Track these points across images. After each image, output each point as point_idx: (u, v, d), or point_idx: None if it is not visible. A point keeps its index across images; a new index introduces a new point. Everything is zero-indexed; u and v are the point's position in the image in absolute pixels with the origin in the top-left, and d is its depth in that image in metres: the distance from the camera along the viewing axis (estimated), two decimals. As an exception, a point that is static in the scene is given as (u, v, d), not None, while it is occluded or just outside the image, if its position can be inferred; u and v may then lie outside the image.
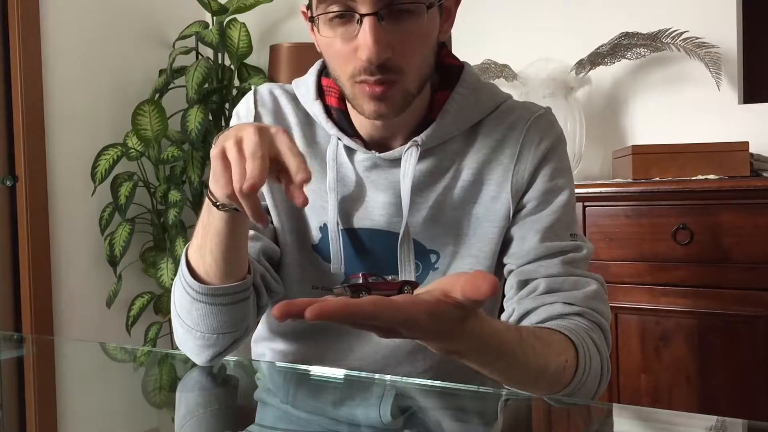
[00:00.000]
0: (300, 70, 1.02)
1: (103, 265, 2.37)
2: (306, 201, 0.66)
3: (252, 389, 0.93)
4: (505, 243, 0.90)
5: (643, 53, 2.01)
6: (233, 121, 0.98)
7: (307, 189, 0.93)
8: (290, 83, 0.98)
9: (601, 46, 2.00)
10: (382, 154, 0.89)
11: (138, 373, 1.00)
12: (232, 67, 2.49)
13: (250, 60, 2.51)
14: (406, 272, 0.89)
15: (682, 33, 1.93)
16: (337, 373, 0.89)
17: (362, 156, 0.90)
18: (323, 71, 0.94)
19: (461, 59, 0.94)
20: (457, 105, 0.89)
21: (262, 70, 2.53)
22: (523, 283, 0.87)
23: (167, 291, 2.31)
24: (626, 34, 1.96)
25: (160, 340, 2.42)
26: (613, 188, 1.68)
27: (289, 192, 0.67)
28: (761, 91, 2.11)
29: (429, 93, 0.91)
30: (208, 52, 2.55)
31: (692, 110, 2.02)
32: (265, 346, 1.02)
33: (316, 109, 0.92)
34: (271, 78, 2.48)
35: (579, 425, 0.75)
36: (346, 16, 0.77)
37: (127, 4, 2.53)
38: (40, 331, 2.20)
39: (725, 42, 1.96)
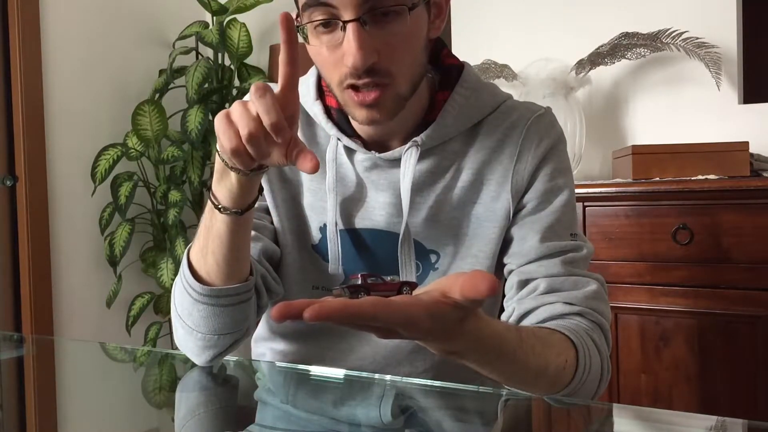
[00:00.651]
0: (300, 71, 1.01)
1: (103, 265, 2.37)
2: (317, 166, 0.67)
3: (252, 389, 0.93)
4: (505, 243, 0.90)
5: (643, 53, 2.01)
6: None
7: (307, 189, 0.94)
8: (290, 83, 0.98)
9: (601, 46, 2.00)
10: (381, 155, 0.89)
11: (138, 373, 1.00)
12: (232, 67, 2.49)
13: (250, 60, 2.51)
14: (407, 272, 0.89)
15: (682, 33, 1.93)
16: (337, 373, 0.89)
17: (362, 156, 0.90)
18: None
19: (461, 59, 0.94)
20: (457, 105, 0.89)
21: (262, 70, 2.53)
22: (523, 283, 0.87)
23: (167, 291, 2.31)
24: (626, 34, 1.96)
25: (160, 340, 2.42)
26: (613, 188, 1.67)
27: (300, 161, 0.68)
28: (761, 91, 2.10)
29: (428, 93, 0.91)
30: (208, 52, 2.55)
31: (692, 110, 2.02)
32: (265, 346, 1.02)
33: (316, 110, 0.92)
34: (271, 78, 2.48)
35: (579, 425, 0.75)
36: (331, 23, 0.77)
37: (127, 4, 2.53)
38: (40, 331, 2.19)
39: (725, 42, 1.96)
